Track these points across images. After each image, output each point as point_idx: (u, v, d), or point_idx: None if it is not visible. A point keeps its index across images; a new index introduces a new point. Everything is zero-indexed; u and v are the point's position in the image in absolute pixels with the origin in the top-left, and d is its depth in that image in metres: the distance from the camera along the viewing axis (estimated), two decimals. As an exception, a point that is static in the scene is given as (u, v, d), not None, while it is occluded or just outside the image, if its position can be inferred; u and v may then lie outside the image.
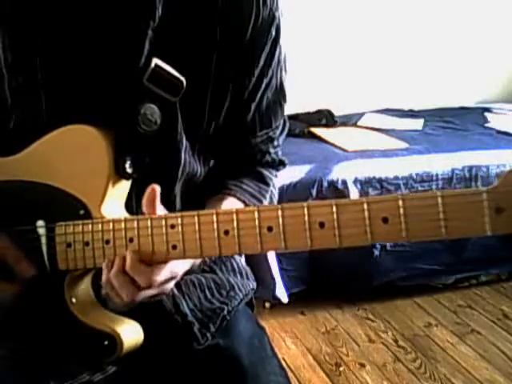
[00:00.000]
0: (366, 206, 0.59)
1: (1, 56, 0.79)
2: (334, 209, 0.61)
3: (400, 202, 0.58)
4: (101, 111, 0.78)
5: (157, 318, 0.84)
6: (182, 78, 0.78)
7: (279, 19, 0.86)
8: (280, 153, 0.98)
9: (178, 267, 0.73)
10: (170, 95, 0.78)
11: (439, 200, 0.56)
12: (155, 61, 0.77)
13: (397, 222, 0.58)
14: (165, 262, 0.72)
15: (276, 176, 0.99)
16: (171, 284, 0.76)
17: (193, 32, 0.81)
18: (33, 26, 0.78)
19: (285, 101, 0.93)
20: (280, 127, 0.96)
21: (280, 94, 0.92)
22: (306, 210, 0.62)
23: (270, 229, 0.64)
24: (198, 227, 0.67)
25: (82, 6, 0.78)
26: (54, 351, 0.78)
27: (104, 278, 0.73)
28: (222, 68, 0.83)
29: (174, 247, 0.69)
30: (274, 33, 0.85)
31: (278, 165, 0.98)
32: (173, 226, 0.69)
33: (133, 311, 0.78)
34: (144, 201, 0.72)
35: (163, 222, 0.69)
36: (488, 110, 3.40)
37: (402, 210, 0.58)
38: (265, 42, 0.85)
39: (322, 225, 0.61)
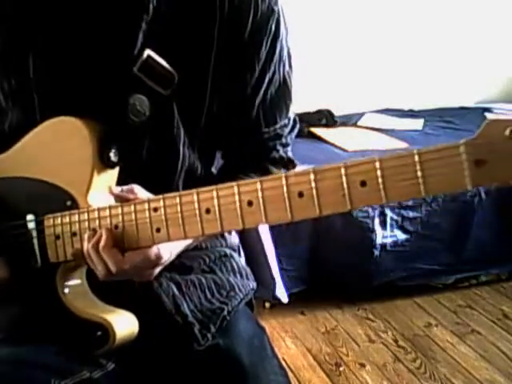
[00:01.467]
0: (343, 171, 0.58)
1: None
2: (312, 176, 0.60)
3: (377, 164, 0.57)
4: (92, 103, 0.78)
5: (157, 318, 0.84)
6: (174, 72, 0.78)
7: (279, 14, 0.85)
8: (290, 152, 0.97)
9: (152, 256, 0.73)
10: (160, 87, 0.78)
11: (416, 158, 0.55)
12: (148, 52, 0.77)
13: (375, 184, 0.57)
14: (150, 246, 0.72)
15: None
16: (154, 271, 0.75)
17: (190, 26, 0.81)
18: (24, 26, 0.79)
19: (290, 98, 0.92)
20: (289, 126, 0.95)
21: (284, 90, 0.90)
22: (284, 180, 0.61)
23: (250, 203, 0.63)
24: (179, 208, 0.67)
25: (76, 7, 0.78)
26: (51, 346, 0.78)
27: (84, 248, 0.73)
28: (221, 63, 0.83)
29: (158, 230, 0.69)
30: (273, 28, 0.85)
31: (287, 163, 0.97)
32: (156, 209, 0.69)
33: (132, 311, 0.78)
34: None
35: (146, 206, 0.70)
36: (488, 109, 3.39)
37: (379, 172, 0.57)
38: (264, 36, 0.84)
39: (300, 194, 0.60)
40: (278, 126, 0.92)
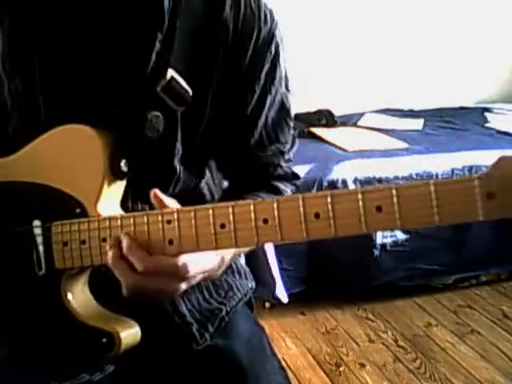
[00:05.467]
0: (360, 196, 0.60)
1: None
2: (329, 199, 0.61)
3: (393, 191, 0.58)
4: (104, 114, 0.78)
5: (155, 318, 0.84)
6: (189, 90, 0.80)
7: (279, 38, 0.88)
8: (293, 167, 0.99)
9: (180, 263, 0.69)
10: (176, 105, 0.80)
11: (432, 188, 0.57)
12: (171, 73, 0.79)
13: (390, 211, 0.58)
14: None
15: (292, 190, 0.99)
16: (180, 286, 0.72)
17: (196, 45, 0.82)
18: (31, 30, 0.79)
19: (290, 118, 0.95)
20: (290, 142, 0.97)
21: (284, 111, 0.93)
22: (301, 201, 0.62)
23: (265, 221, 0.64)
24: (194, 222, 0.67)
25: (88, 15, 0.79)
26: (53, 350, 0.78)
27: (109, 257, 0.70)
28: (222, 82, 0.84)
29: (171, 242, 0.69)
30: (273, 50, 0.87)
31: (293, 178, 0.99)
32: (169, 222, 0.69)
33: (131, 311, 0.78)
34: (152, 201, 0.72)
35: (159, 218, 0.69)
36: (488, 110, 3.40)
37: (395, 199, 0.58)
38: (265, 59, 0.87)
39: (317, 216, 0.61)
40: (279, 143, 0.94)
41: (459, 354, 2.15)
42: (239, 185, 0.95)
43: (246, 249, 0.89)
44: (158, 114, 0.78)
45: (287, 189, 0.97)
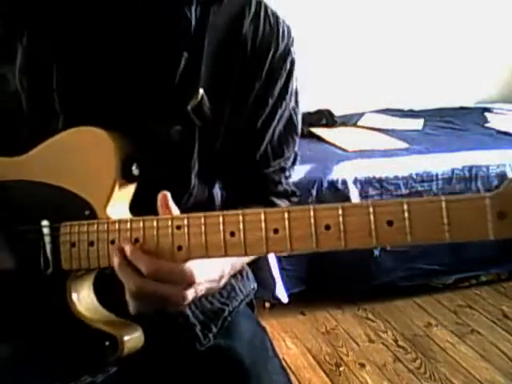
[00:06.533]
0: (371, 210, 0.60)
1: (16, 79, 0.80)
2: (340, 211, 0.61)
3: (405, 206, 0.58)
4: (123, 128, 0.78)
5: (159, 319, 0.84)
6: (211, 106, 0.81)
7: (294, 53, 0.89)
8: (292, 184, 0.99)
9: (186, 269, 0.68)
10: (198, 120, 0.81)
11: (443, 204, 0.57)
12: (201, 92, 0.79)
13: (401, 226, 0.58)
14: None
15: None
16: (187, 294, 0.70)
17: (217, 60, 0.82)
18: (49, 47, 0.79)
19: (296, 133, 0.95)
20: (292, 158, 0.96)
21: (291, 126, 0.93)
22: (312, 212, 0.62)
23: (276, 231, 0.63)
24: (203, 228, 0.67)
25: (111, 30, 0.79)
26: (56, 351, 0.78)
27: (115, 263, 0.70)
28: (238, 97, 0.85)
29: (180, 248, 0.68)
30: (288, 66, 0.88)
31: (291, 195, 0.98)
32: (179, 227, 0.68)
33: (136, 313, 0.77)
34: (158, 205, 0.71)
35: (169, 223, 0.69)
36: (488, 110, 3.40)
37: (406, 214, 0.58)
38: (280, 74, 0.87)
39: (327, 227, 0.62)
40: (282, 159, 0.94)
41: (459, 353, 2.16)
42: (237, 197, 0.95)
43: (247, 259, 0.88)
44: (180, 128, 0.80)
45: (283, 205, 0.96)
